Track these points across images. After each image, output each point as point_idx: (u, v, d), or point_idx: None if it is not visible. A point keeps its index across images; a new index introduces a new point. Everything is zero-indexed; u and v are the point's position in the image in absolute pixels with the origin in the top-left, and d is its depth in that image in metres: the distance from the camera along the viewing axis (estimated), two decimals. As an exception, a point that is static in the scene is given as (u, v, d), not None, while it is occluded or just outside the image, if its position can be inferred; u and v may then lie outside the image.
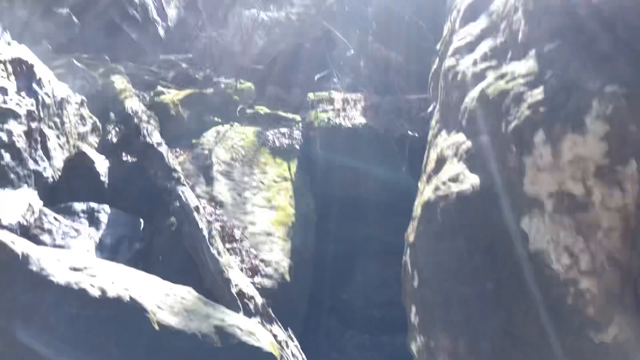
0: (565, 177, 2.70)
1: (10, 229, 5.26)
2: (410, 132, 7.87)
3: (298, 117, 9.28)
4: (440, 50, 5.09)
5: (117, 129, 9.69)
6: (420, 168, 7.68)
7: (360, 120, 7.88)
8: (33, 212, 5.77)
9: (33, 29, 11.54)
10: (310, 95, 9.44)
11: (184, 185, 6.51)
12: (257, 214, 6.72)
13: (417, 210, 4.02)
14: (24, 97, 6.85)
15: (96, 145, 8.37)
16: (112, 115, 9.83)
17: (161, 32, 16.90)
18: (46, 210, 6.06)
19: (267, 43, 13.40)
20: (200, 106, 10.47)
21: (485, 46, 3.89)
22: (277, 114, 9.61)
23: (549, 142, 2.78)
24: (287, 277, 6.17)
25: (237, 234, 6.30)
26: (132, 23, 15.49)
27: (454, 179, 3.36)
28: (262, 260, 6.09)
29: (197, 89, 11.20)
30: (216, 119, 10.08)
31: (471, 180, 3.28)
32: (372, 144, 7.68)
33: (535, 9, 3.40)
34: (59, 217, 6.12)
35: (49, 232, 5.84)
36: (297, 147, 8.30)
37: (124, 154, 8.88)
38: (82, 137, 8.09)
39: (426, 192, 3.73)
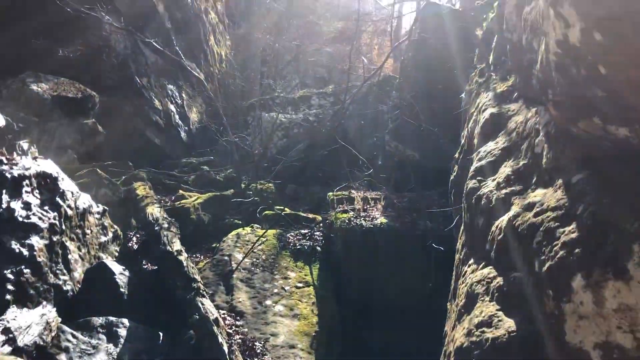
0: (611, 327, 2.39)
1: (26, 350, 5.09)
2: (431, 230, 7.70)
3: (319, 217, 9.22)
4: (459, 160, 5.03)
5: (137, 236, 9.73)
6: (445, 265, 7.46)
7: (381, 219, 7.76)
8: (51, 331, 5.60)
9: (60, 140, 11.98)
10: (330, 194, 9.43)
11: (203, 296, 6.33)
12: (278, 324, 6.45)
13: (449, 350, 3.73)
14: (47, 211, 6.90)
15: (117, 255, 8.33)
16: (133, 222, 9.92)
17: (184, 136, 17.51)
18: (64, 327, 5.89)
19: (286, 143, 13.71)
20: (221, 208, 10.53)
21: (508, 168, 3.78)
22: (297, 214, 9.57)
23: (589, 289, 2.51)
24: (312, 394, 5.81)
25: (258, 347, 6.02)
26: (156, 128, 16.11)
27: (488, 324, 3.10)
28: (285, 375, 5.77)
29: (217, 191, 11.33)
30: (237, 220, 10.08)
31: (506, 325, 2.99)
32: (394, 244, 7.50)
33: (558, 135, 3.28)
34: (77, 333, 5.94)
35: (66, 350, 5.65)
36: (319, 248, 8.16)
37: (144, 262, 8.84)
38: (103, 247, 8.07)
39: (458, 333, 3.46)
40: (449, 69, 10.35)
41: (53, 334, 5.62)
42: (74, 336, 5.85)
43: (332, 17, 29.88)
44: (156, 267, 8.36)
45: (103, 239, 8.15)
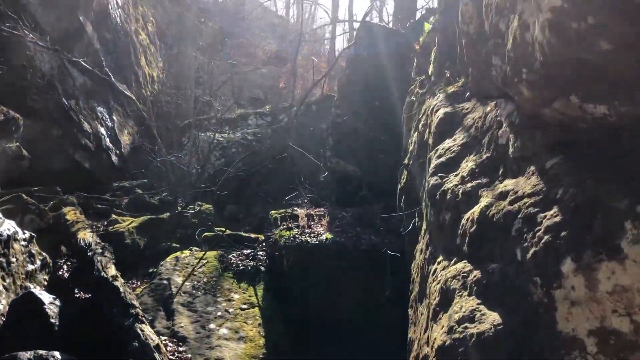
0: (606, 312, 2.28)
1: (-60, 394, 4.57)
2: (377, 244, 7.69)
3: (261, 237, 9.02)
4: (409, 165, 5.01)
5: (68, 263, 9.15)
6: (393, 281, 7.43)
7: (326, 235, 7.66)
8: (-31, 370, 5.08)
9: (-20, 166, 11.18)
10: (272, 212, 9.26)
11: (142, 322, 5.97)
12: (224, 347, 6.18)
13: (424, 353, 3.62)
14: (-36, 239, 6.35)
15: (46, 284, 7.77)
16: (63, 249, 9.33)
17: (115, 159, 16.84)
18: (-15, 365, 5.37)
19: (223, 163, 13.43)
20: (157, 232, 10.12)
21: (471, 163, 3.77)
22: (239, 234, 9.33)
23: (580, 272, 2.43)
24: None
25: (204, 373, 5.73)
26: (85, 152, 15.40)
27: (471, 319, 3.00)
28: (233, 402, 5.49)
29: (153, 214, 10.90)
30: (174, 244, 9.72)
31: (491, 319, 2.88)
32: (340, 259, 7.41)
33: (525, 123, 3.26)
34: (1, 371, 5.42)
35: (-12, 391, 5.13)
36: (263, 268, 7.94)
37: (76, 290, 8.30)
38: (30, 276, 7.50)
39: (436, 333, 3.35)
40: (384, 86, 10.53)
41: (-27, 373, 5.10)
42: (-3, 374, 5.33)
43: (267, 38, 29.98)
44: (90, 296, 7.86)
45: (30, 267, 7.58)
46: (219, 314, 6.78)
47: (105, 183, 15.46)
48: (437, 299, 3.54)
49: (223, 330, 6.45)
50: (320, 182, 10.46)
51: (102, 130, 17.08)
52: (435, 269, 3.79)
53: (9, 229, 7.25)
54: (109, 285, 6.91)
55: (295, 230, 7.94)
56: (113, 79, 17.39)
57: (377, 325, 7.17)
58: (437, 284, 3.59)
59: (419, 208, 5.05)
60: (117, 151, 17.46)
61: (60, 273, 8.94)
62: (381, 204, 9.34)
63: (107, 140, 17.11)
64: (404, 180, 5.34)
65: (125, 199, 13.20)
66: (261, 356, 6.12)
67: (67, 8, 15.73)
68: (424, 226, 4.60)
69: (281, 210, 9.21)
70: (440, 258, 3.84)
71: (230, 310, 6.87)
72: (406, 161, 5.29)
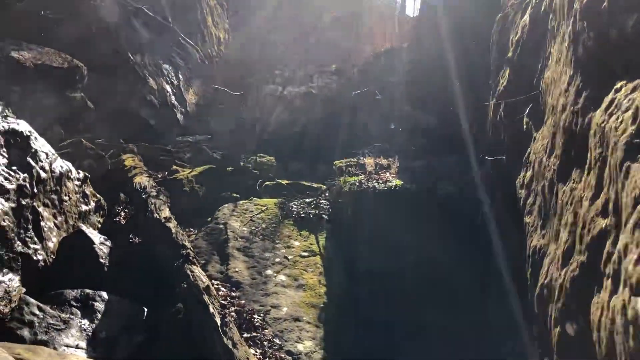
0: None
1: (-26, 322, 4.23)
2: (453, 194, 6.82)
3: (324, 186, 8.35)
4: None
5: (125, 210, 8.85)
6: (467, 234, 6.57)
7: (395, 182, 6.87)
8: (10, 301, 4.73)
9: (45, 114, 11.11)
10: (337, 162, 8.55)
11: (193, 263, 5.46)
12: (281, 295, 5.58)
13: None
14: (15, 172, 6.04)
15: (99, 226, 7.46)
16: (121, 196, 9.04)
17: (180, 117, 16.60)
18: (29, 299, 5.02)
19: (287, 117, 12.80)
20: (217, 183, 9.64)
21: None
22: (301, 183, 8.71)
23: None
24: (321, 373, 4.93)
25: (257, 320, 5.16)
26: (150, 109, 15.19)
27: None
28: (288, 352, 4.89)
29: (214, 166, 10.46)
30: (234, 194, 9.19)
31: None
32: (411, 207, 6.61)
33: None
34: (45, 307, 5.07)
35: (30, 324, 4.78)
36: (325, 217, 7.28)
37: (131, 236, 7.97)
38: (83, 216, 7.20)
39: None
40: (460, 32, 9.48)
41: (13, 305, 4.75)
42: (40, 309, 4.98)
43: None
44: (142, 240, 7.50)
45: (84, 207, 7.28)
46: (277, 260, 6.19)
47: (169, 139, 15.24)
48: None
49: (281, 277, 5.86)
50: (390, 133, 9.62)
51: (168, 87, 16.86)
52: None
53: (61, 166, 6.93)
54: (161, 226, 6.47)
55: (361, 176, 7.20)
56: (180, 33, 17.13)
57: (449, 280, 6.38)
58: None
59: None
60: (183, 109, 17.24)
61: (117, 220, 8.66)
62: (456, 156, 8.41)
63: (173, 97, 16.89)
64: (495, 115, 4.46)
65: (188, 153, 12.86)
66: (321, 305, 5.49)
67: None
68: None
69: (346, 160, 8.48)
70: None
71: (290, 257, 6.27)
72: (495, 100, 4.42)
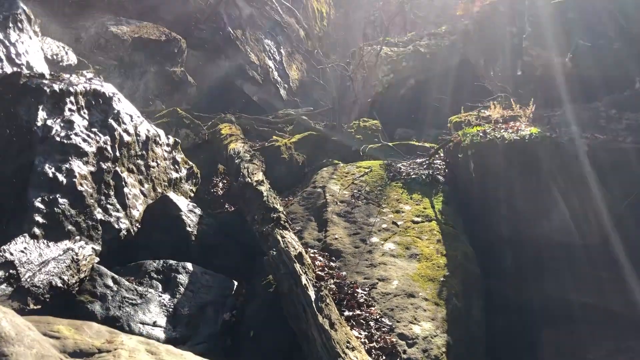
0: None
1: (33, 293, 3.67)
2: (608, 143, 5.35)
3: (437, 146, 7.15)
4: None
5: (224, 182, 8.29)
6: (625, 190, 5.14)
7: (531, 130, 5.52)
8: (79, 271, 4.17)
9: (145, 87, 10.94)
10: (453, 117, 7.30)
11: (285, 228, 4.61)
12: (389, 266, 4.55)
13: None
14: (95, 134, 5.55)
15: (192, 195, 6.89)
16: (219, 166, 8.50)
17: (283, 93, 16.05)
18: (102, 269, 4.45)
19: (393, 80, 11.61)
20: (318, 149, 8.79)
21: None
22: (410, 143, 7.59)
23: None
24: (444, 364, 3.84)
25: (361, 295, 4.17)
26: (253, 84, 14.74)
27: None
28: (401, 336, 3.86)
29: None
30: (336, 161, 8.25)
31: None
32: (551, 162, 5.24)
33: None
34: (121, 279, 4.48)
35: (102, 298, 4.19)
36: (441, 178, 6.11)
37: (226, 206, 7.36)
38: (173, 184, 6.65)
39: None
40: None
41: (82, 275, 4.18)
42: (115, 281, 4.38)
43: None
44: (235, 208, 6.82)
45: (174, 175, 6.73)
46: (384, 226, 5.16)
47: (271, 113, 14.74)
48: None
49: (389, 245, 4.82)
50: (516, 78, 8.12)
51: (270, 63, 16.37)
52: None
53: (148, 130, 6.40)
54: (252, 189, 5.70)
55: (485, 125, 5.93)
56: (280, 9, 16.54)
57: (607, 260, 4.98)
58: None
59: None
60: (286, 85, 16.70)
61: (214, 191, 8.12)
62: (606, 101, 6.82)
63: (276, 73, 16.37)
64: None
65: (290, 125, 12.16)
66: (442, 279, 4.37)
67: None
68: None
69: (465, 114, 7.21)
70: None
71: (400, 223, 5.20)
72: None
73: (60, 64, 8.53)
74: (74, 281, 4.04)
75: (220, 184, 8.32)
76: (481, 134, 5.64)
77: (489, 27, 10.97)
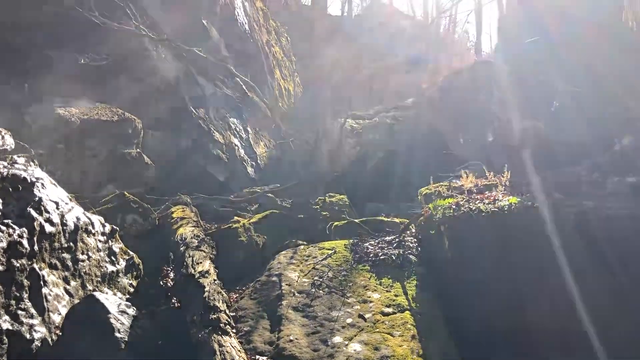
0: None
1: None
2: (595, 209, 4.74)
3: (407, 221, 6.46)
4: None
5: (172, 273, 7.40)
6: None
7: (509, 199, 4.88)
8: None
9: (95, 172, 10.19)
10: (423, 190, 6.69)
11: (225, 333, 3.75)
12: (355, 374, 3.70)
13: None
14: (7, 226, 4.72)
15: (131, 289, 5.99)
16: (170, 254, 7.63)
17: (250, 170, 15.46)
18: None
19: (359, 153, 11.13)
20: (281, 229, 8.03)
21: None
22: (378, 219, 6.90)
23: None
24: None
25: (319, 418, 3.29)
26: (217, 163, 14.11)
27: None
28: None
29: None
30: (301, 242, 7.48)
31: None
32: (536, 236, 4.56)
33: None
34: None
35: None
36: (413, 257, 5.37)
37: (174, 300, 6.44)
38: (109, 279, 5.78)
39: None
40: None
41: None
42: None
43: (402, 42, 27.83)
44: (176, 304, 5.90)
45: (110, 268, 5.86)
46: (349, 321, 4.33)
47: (237, 192, 14.00)
48: None
49: (354, 347, 3.97)
50: (488, 146, 7.63)
51: (236, 140, 15.87)
52: None
53: (77, 218, 5.59)
54: (194, 283, 4.87)
55: (459, 197, 5.29)
56: (247, 85, 16.19)
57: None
58: None
59: None
60: (253, 162, 16.13)
61: (164, 282, 7.22)
62: (584, 165, 6.32)
63: (242, 151, 15.83)
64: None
65: (255, 204, 11.43)
66: (418, 390, 3.53)
67: (189, 11, 14.90)
68: None
69: (435, 185, 6.61)
70: None
71: (367, 316, 4.38)
72: None
73: (-6, 149, 7.77)
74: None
75: (172, 274, 7.43)
76: (454, 207, 4.99)
77: (455, 94, 10.71)
